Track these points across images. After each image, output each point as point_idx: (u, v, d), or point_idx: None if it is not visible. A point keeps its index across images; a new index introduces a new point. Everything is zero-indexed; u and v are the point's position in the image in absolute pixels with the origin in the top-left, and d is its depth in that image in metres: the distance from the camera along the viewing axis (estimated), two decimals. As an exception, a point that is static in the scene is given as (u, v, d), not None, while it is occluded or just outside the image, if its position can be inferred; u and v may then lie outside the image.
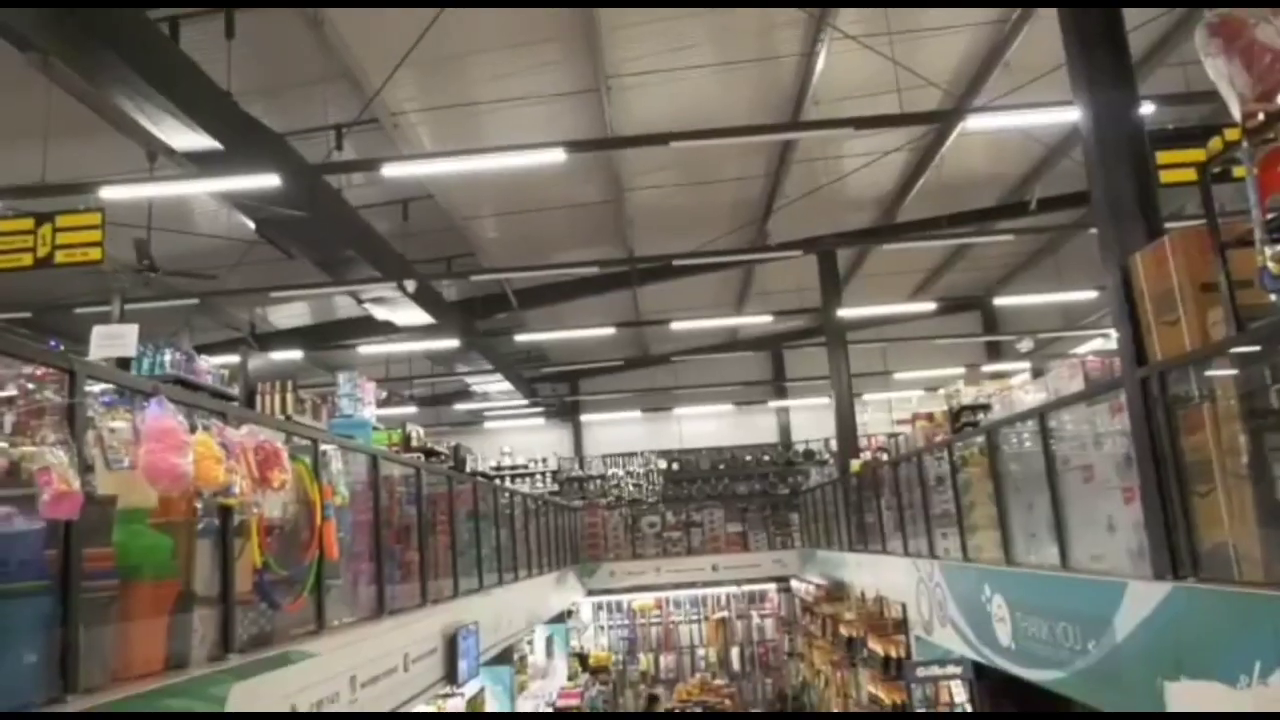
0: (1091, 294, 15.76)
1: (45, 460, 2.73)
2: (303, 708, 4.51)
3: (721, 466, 24.36)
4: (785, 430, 24.94)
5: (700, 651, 21.26)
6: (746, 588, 21.18)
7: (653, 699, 17.98)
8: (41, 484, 2.71)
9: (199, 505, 3.92)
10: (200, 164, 8.64)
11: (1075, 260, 16.67)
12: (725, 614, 21.44)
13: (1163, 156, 6.27)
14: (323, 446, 5.23)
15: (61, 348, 3.28)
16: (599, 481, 24.40)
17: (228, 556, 4.03)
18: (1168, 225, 5.25)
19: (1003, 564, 7.24)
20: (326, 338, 18.05)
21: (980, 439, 8.01)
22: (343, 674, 5.12)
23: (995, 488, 7.45)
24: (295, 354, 17.18)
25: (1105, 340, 16.99)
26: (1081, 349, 18.65)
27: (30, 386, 2.99)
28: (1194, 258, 4.46)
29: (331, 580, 5.27)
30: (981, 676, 9.18)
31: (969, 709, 9.21)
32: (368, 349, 17.75)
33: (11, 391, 3.09)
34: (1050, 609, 6.16)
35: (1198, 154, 5.54)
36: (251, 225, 10.75)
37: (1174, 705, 4.57)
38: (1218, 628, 4.23)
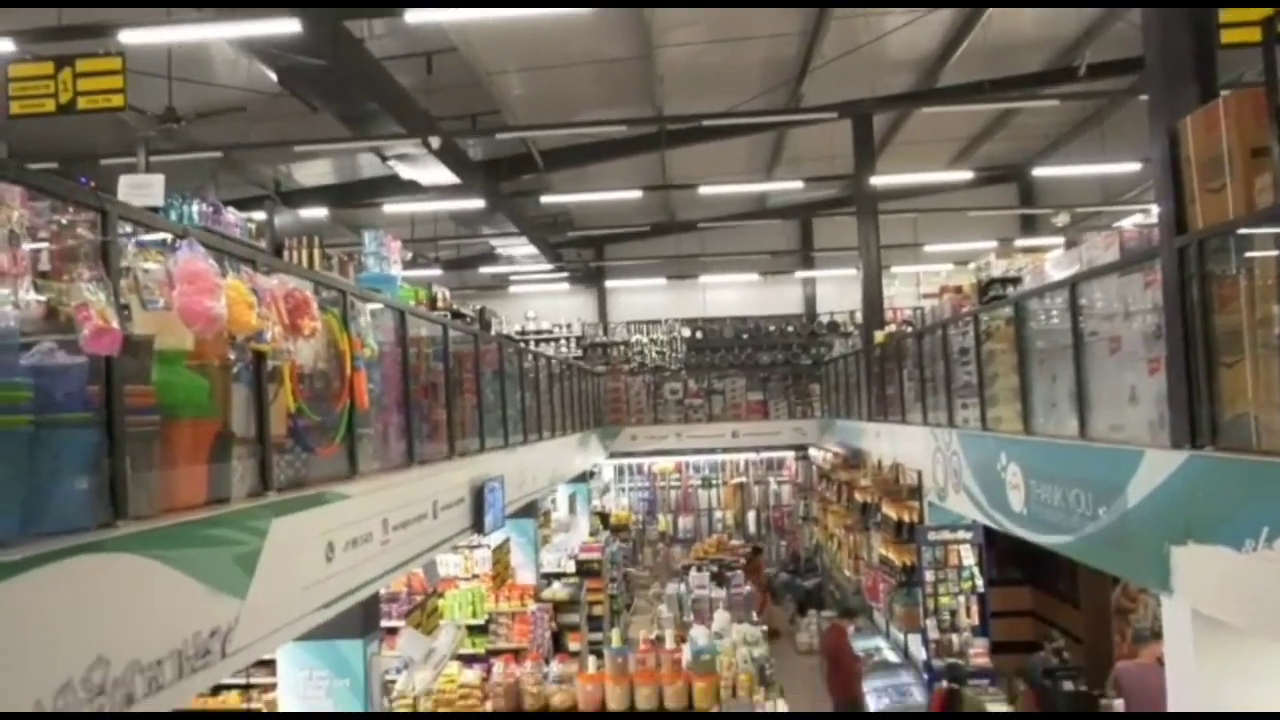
0: (1135, 166, 15.20)
1: (83, 296, 2.78)
2: (339, 545, 4.75)
3: (745, 336, 24.41)
4: (810, 301, 24.84)
5: (717, 514, 21.97)
6: (765, 455, 21.65)
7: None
8: (81, 320, 2.77)
9: (232, 354, 4.01)
10: (217, 6, 8.38)
11: (1121, 131, 16.02)
12: (743, 479, 22.03)
13: (1226, 14, 5.92)
14: (351, 300, 5.29)
15: (92, 184, 3.28)
16: (622, 348, 24.62)
17: (263, 400, 4.15)
18: (1223, 93, 5.01)
19: (1021, 434, 7.33)
20: (352, 197, 17.96)
21: (1007, 309, 7.96)
22: (375, 516, 5.36)
23: (1019, 360, 7.45)
24: (320, 212, 17.14)
25: (1145, 216, 16.53)
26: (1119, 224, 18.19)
27: (63, 223, 3.01)
28: (1247, 120, 4.28)
29: (362, 429, 5.45)
30: (991, 542, 9.48)
31: (976, 572, 9.54)
32: (393, 208, 17.64)
33: (44, 238, 3.11)
34: (1065, 477, 6.27)
35: (1266, 11, 5.22)
36: (273, 76, 10.51)
37: (1179, 568, 4.70)
38: (1230, 494, 4.30)
